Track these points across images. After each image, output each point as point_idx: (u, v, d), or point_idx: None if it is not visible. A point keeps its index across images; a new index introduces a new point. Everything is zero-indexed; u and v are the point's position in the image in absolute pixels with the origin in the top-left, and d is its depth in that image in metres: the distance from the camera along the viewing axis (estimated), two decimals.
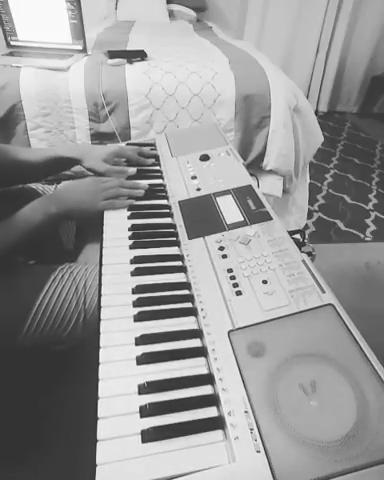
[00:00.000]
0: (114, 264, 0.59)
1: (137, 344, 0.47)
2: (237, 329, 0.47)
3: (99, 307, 0.52)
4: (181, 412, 0.41)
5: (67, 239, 0.95)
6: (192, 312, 0.52)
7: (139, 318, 0.51)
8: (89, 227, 0.93)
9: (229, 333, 0.47)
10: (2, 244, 0.65)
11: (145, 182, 0.77)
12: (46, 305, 0.67)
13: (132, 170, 0.80)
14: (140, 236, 0.65)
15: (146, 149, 0.89)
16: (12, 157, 0.80)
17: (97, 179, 0.75)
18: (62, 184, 1.02)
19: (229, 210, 0.67)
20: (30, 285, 0.69)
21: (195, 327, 0.50)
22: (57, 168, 0.87)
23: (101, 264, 0.59)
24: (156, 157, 0.88)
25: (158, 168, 0.85)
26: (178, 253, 0.62)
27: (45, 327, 0.67)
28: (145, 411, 0.40)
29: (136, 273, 0.58)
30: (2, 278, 0.69)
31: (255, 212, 0.66)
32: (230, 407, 0.40)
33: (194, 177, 0.78)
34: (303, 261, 0.55)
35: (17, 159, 0.80)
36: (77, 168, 0.84)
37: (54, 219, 0.68)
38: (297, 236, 0.64)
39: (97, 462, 0.36)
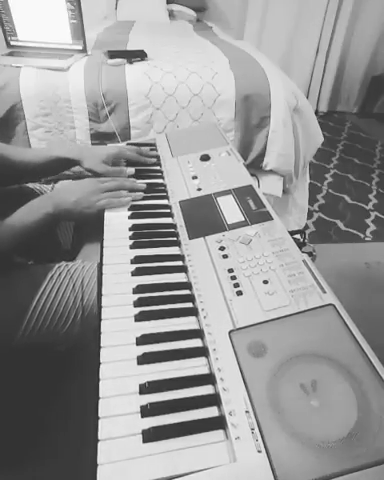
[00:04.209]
0: (115, 264, 0.59)
1: (138, 344, 0.47)
2: (238, 329, 0.47)
3: (99, 307, 0.52)
4: (182, 412, 0.41)
5: (65, 239, 0.95)
6: (193, 312, 0.52)
7: (140, 318, 0.51)
8: (87, 226, 0.93)
9: (230, 333, 0.47)
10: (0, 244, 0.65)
11: (145, 182, 0.77)
12: (43, 303, 0.67)
13: (130, 170, 0.80)
14: (141, 236, 0.65)
15: (146, 149, 0.89)
16: (11, 157, 0.80)
17: (96, 179, 0.75)
18: (60, 184, 1.02)
19: (230, 210, 0.67)
20: (27, 284, 0.69)
21: (196, 327, 0.50)
22: (56, 169, 0.87)
23: (102, 264, 0.59)
24: (156, 157, 0.88)
25: (158, 168, 0.85)
26: (179, 253, 0.62)
27: (43, 325, 0.67)
28: (146, 411, 0.40)
29: (137, 273, 0.58)
30: None
31: (256, 212, 0.66)
32: (231, 407, 0.40)
33: (195, 177, 0.78)
34: (304, 261, 0.55)
35: (16, 159, 0.80)
36: (76, 168, 0.84)
37: (52, 219, 0.68)
38: (297, 236, 0.64)
39: (98, 462, 0.36)
